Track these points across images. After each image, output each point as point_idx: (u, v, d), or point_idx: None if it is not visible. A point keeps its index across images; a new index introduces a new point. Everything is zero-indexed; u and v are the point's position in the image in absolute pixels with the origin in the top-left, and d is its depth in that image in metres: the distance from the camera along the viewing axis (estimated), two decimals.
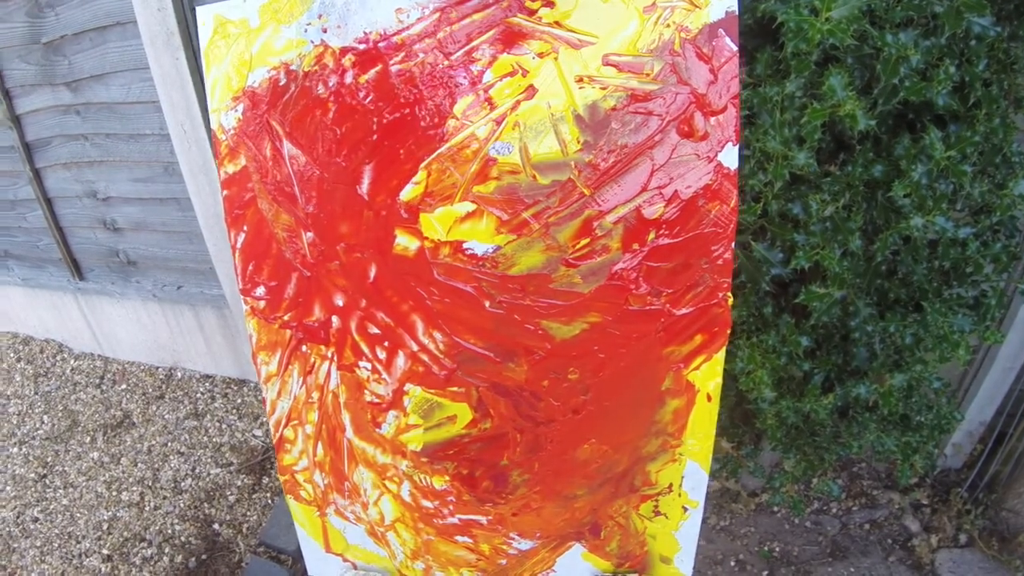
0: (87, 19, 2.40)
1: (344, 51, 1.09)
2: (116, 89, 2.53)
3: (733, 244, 1.07)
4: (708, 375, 1.16)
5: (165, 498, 2.63)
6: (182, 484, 2.69)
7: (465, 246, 1.12)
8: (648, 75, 1.00)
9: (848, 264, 1.30)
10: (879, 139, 1.29)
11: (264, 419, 2.95)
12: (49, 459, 2.94)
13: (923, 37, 1.17)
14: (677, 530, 1.33)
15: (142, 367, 3.43)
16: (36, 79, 2.70)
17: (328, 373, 1.30)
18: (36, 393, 3.39)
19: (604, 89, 1.01)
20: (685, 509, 1.30)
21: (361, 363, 1.27)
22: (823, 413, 1.42)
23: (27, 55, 2.66)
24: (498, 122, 1.05)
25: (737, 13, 0.97)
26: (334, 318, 1.25)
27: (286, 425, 1.39)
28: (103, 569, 2.37)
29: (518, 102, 1.04)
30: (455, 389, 1.24)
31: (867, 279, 1.36)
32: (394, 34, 1.06)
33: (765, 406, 1.47)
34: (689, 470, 1.25)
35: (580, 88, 1.01)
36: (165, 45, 2.13)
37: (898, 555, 2.07)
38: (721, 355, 1.14)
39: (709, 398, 1.18)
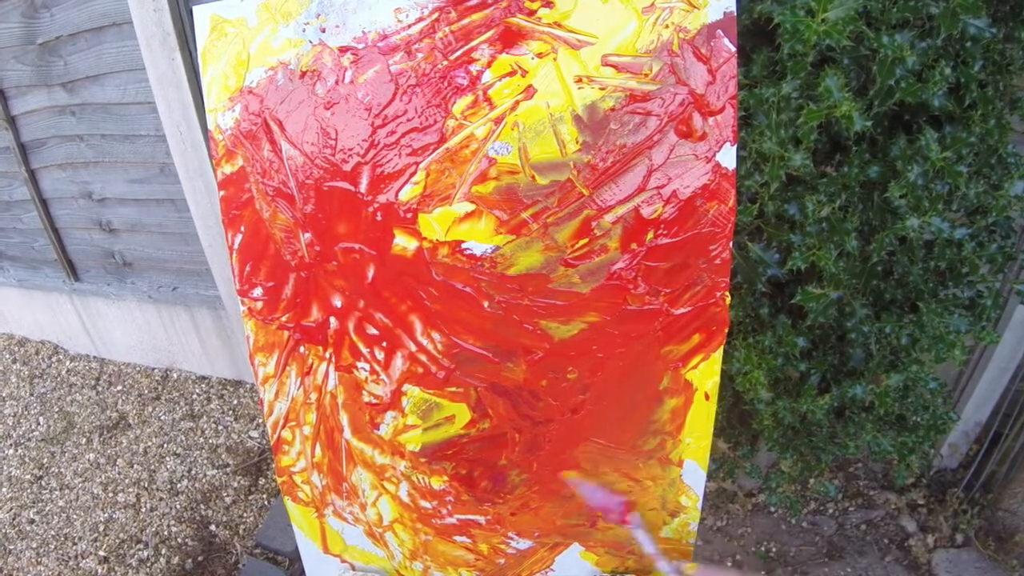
0: (83, 20, 2.39)
1: (343, 50, 1.09)
2: (112, 90, 2.52)
3: (731, 244, 1.07)
4: (706, 374, 1.16)
5: (161, 499, 2.62)
6: (178, 485, 2.68)
7: (464, 246, 1.12)
8: (647, 75, 1.00)
9: (844, 265, 1.31)
10: (875, 140, 1.29)
11: (260, 420, 2.94)
12: (45, 461, 2.93)
13: (919, 38, 1.17)
14: None
15: (138, 368, 3.42)
16: (31, 80, 2.69)
17: (326, 374, 1.30)
18: (32, 395, 3.38)
19: (603, 89, 1.01)
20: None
21: (359, 364, 1.27)
22: (819, 413, 1.42)
23: (22, 56, 2.65)
24: (497, 122, 1.05)
25: (735, 14, 0.97)
26: (332, 319, 1.25)
27: (284, 426, 1.39)
28: (99, 571, 2.36)
29: (517, 102, 1.04)
30: (453, 389, 1.24)
31: (863, 280, 1.36)
32: (393, 34, 1.06)
33: (761, 407, 1.47)
34: (687, 468, 1.26)
35: (579, 88, 1.02)
36: (161, 45, 2.12)
37: (895, 555, 2.07)
38: (719, 354, 1.14)
39: (707, 396, 1.18)
